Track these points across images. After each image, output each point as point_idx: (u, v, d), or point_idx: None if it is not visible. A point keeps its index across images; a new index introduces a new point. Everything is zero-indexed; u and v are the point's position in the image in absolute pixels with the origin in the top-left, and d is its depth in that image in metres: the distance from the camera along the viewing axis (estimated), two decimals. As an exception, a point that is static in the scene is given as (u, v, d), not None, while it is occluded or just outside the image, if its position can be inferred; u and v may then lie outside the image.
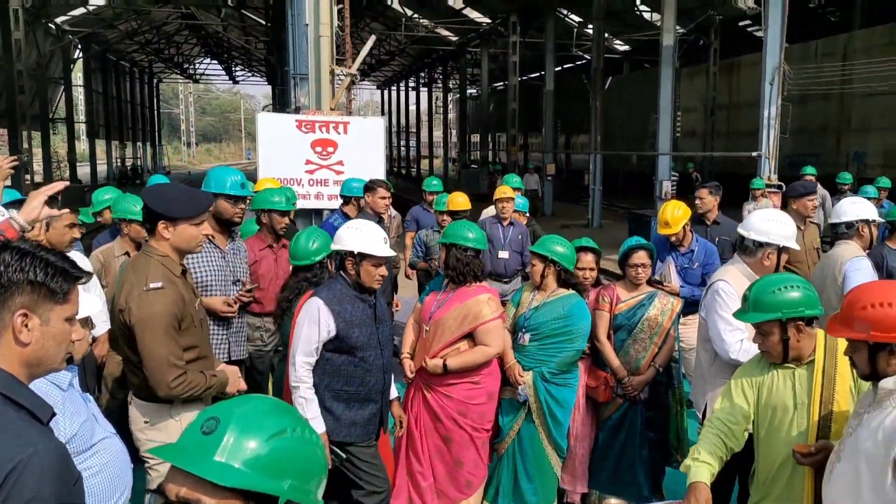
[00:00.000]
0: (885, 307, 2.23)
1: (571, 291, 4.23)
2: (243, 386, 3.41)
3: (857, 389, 2.71)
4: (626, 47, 32.78)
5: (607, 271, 9.44)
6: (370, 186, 6.17)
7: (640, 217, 15.45)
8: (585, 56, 25.69)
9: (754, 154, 13.28)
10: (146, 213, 3.10)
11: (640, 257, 4.30)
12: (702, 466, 2.70)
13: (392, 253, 3.57)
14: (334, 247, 3.59)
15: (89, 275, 1.84)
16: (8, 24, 19.62)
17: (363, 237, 3.47)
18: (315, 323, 3.43)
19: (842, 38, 21.60)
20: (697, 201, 6.27)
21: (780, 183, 12.59)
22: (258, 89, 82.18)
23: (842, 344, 2.75)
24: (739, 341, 3.49)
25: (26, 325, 1.61)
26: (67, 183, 3.40)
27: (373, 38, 9.97)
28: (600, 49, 20.75)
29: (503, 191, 6.99)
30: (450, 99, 51.23)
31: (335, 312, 3.44)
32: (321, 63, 8.09)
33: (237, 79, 55.50)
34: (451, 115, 54.30)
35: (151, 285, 2.99)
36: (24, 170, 18.06)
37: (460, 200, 7.12)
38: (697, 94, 27.78)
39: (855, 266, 4.24)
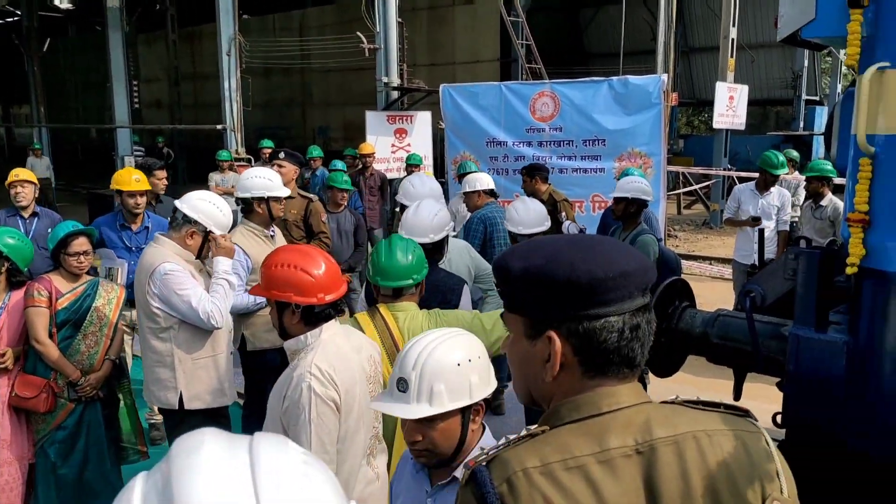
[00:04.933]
0: (282, 268, 2.57)
1: None
2: None
3: None
4: (70, 6, 30.20)
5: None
6: None
7: (103, 197, 14.50)
8: (17, 13, 22.83)
9: (219, 127, 13.47)
10: None
11: (82, 244, 4.06)
12: None
13: None
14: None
15: None
16: None
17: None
18: None
19: (296, 14, 23.46)
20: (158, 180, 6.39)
21: (249, 157, 13.08)
22: None
23: None
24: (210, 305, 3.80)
25: None
26: None
27: None
28: (33, 5, 18.68)
29: (16, 173, 6.15)
30: None
31: None
32: None
33: None
34: None
35: None
36: None
37: None
38: (160, 63, 27.24)
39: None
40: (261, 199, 4.51)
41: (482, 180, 6.26)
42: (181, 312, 3.78)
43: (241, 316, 4.44)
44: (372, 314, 3.08)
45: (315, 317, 2.61)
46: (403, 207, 4.36)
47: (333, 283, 2.62)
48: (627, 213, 5.38)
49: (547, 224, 4.75)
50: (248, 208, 4.55)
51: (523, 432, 1.20)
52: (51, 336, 3.99)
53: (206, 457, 0.73)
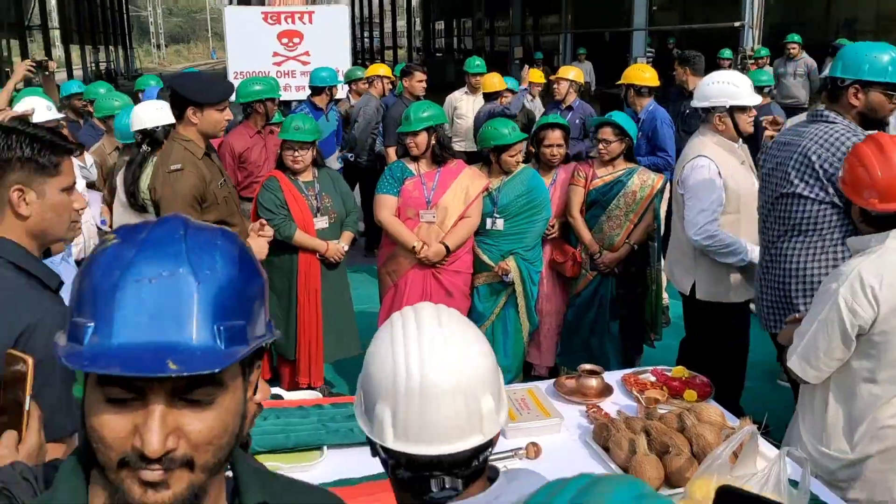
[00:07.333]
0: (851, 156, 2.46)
1: (524, 165, 4.33)
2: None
3: None
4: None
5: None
6: (407, 71, 6.76)
7: (610, 96, 15.13)
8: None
9: (737, 24, 12.71)
10: (175, 99, 3.39)
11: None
12: None
13: None
14: None
15: (80, 146, 2.04)
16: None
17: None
18: None
19: None
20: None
21: (750, 55, 11.82)
22: (223, -13, 77.75)
23: None
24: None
25: (24, 200, 1.74)
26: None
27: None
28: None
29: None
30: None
31: None
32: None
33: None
34: (415, 3, 52.60)
35: (172, 167, 3.33)
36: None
37: (495, 81, 7.23)
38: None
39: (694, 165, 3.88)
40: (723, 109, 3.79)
41: None
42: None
43: None
44: None
45: (876, 220, 2.35)
46: None
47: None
48: None
49: None
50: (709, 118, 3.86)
51: None
52: (582, 213, 4.35)
53: None
